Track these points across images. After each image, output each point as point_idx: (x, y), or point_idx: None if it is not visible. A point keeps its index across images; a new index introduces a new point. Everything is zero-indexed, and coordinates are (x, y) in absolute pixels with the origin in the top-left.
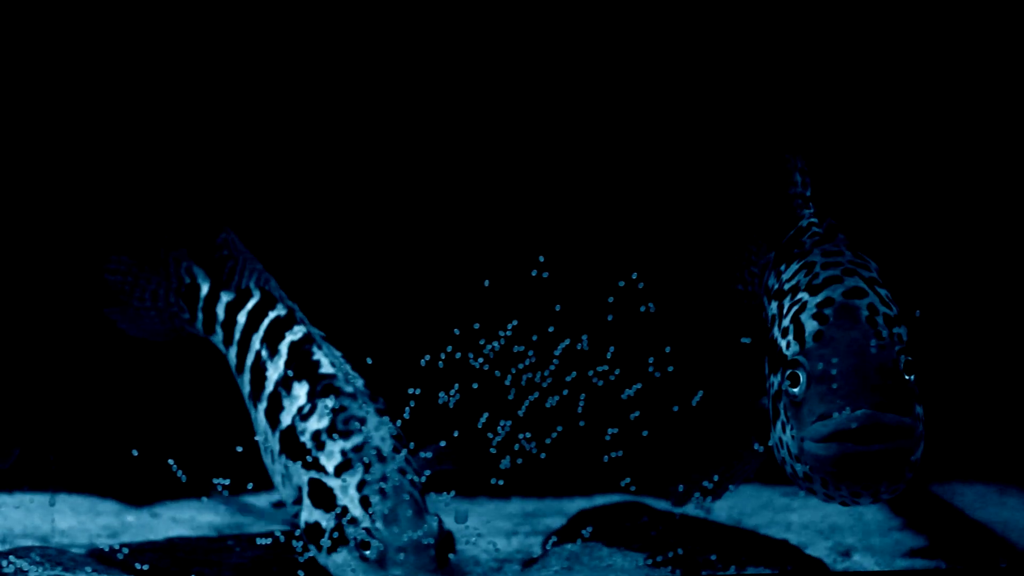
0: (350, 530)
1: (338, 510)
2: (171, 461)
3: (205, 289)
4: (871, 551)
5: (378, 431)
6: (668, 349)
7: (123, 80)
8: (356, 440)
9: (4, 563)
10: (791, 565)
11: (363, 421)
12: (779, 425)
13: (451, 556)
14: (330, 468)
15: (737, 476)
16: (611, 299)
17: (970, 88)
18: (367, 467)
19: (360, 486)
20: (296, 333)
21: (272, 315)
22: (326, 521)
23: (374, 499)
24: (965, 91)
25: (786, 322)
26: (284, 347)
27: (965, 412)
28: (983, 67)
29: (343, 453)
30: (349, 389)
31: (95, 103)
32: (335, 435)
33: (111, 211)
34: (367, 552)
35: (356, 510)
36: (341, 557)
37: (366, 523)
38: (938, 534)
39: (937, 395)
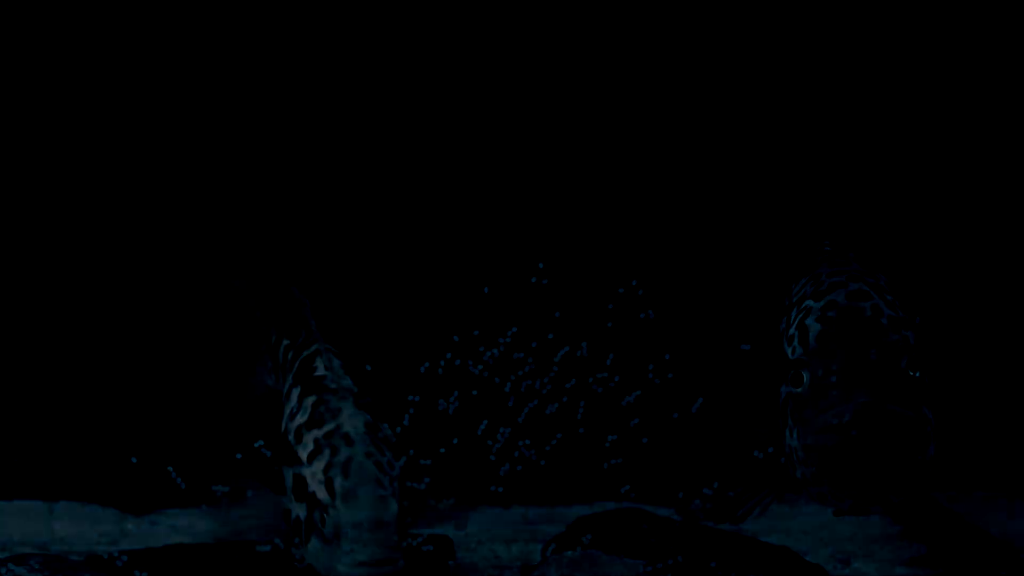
0: (316, 514)
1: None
2: (171, 468)
3: (274, 337)
4: (871, 558)
5: (352, 419)
6: (668, 356)
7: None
8: (328, 427)
9: (3, 570)
10: (791, 572)
11: (338, 411)
12: (787, 432)
13: (450, 563)
14: (304, 458)
15: (759, 496)
16: (611, 306)
17: (975, 95)
18: (334, 451)
19: (326, 469)
20: (310, 349)
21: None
22: (303, 512)
23: (336, 479)
24: (971, 98)
25: (792, 330)
26: (297, 363)
27: (965, 419)
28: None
29: (315, 441)
30: (333, 386)
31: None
32: (312, 427)
33: (107, 212)
34: (324, 530)
35: (320, 493)
36: (312, 545)
37: (326, 502)
38: (938, 542)
39: (937, 402)
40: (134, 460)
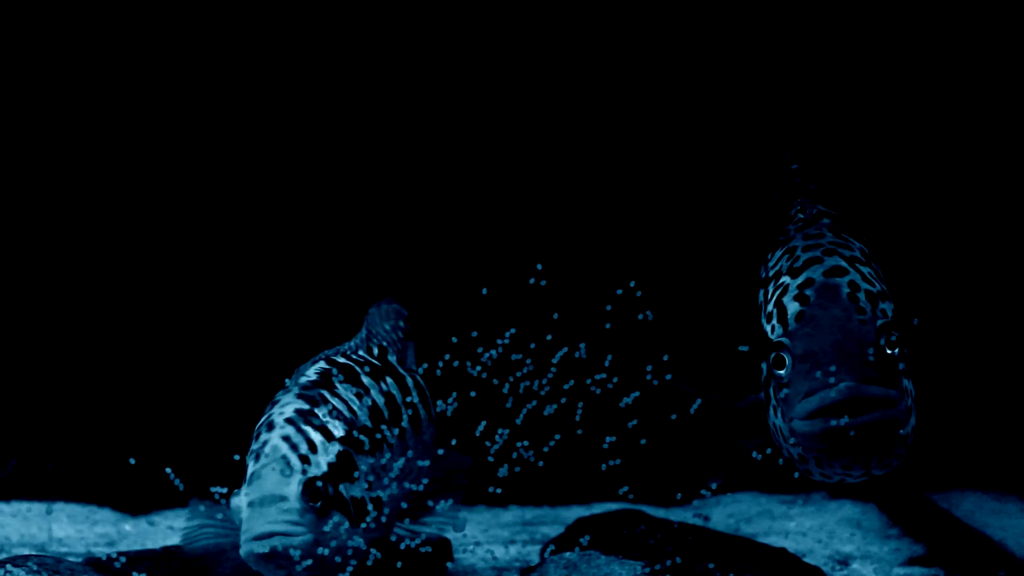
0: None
1: None
2: (168, 470)
3: None
4: (869, 559)
5: (282, 407)
6: (666, 357)
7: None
8: (262, 419)
9: (2, 572)
10: (789, 573)
11: (275, 403)
12: (771, 410)
13: (448, 564)
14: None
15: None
16: (609, 307)
17: (973, 86)
18: (256, 438)
19: (248, 456)
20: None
21: None
22: None
23: (250, 465)
24: (968, 89)
25: (770, 307)
26: None
27: (963, 419)
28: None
29: (254, 435)
30: (287, 383)
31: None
32: (257, 422)
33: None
34: (237, 517)
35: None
36: None
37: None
38: (936, 542)
39: (934, 402)
40: (132, 461)
